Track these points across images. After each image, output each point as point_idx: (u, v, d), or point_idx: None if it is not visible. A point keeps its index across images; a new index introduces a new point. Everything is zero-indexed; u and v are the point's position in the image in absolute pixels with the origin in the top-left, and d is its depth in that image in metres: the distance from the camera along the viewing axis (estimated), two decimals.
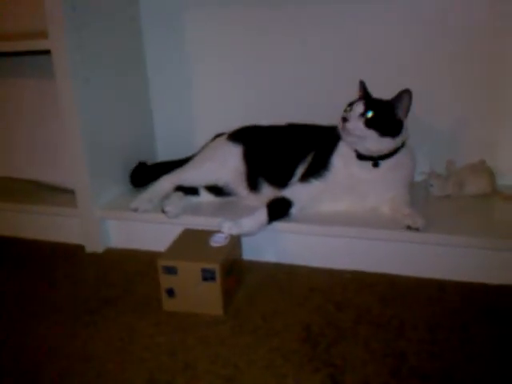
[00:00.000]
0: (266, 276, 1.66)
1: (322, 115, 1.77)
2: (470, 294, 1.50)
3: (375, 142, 1.59)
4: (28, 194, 2.10)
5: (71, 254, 1.90)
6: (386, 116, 1.59)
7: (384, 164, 1.63)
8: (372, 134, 1.58)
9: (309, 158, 1.74)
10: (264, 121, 1.92)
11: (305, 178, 1.69)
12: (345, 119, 1.58)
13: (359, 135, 1.58)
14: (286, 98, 2.03)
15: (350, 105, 1.62)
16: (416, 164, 1.73)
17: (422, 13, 1.83)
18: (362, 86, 1.70)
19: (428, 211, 1.65)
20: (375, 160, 1.63)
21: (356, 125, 1.57)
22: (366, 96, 1.68)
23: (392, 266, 1.63)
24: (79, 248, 1.92)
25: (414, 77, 1.88)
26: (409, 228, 1.55)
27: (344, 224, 1.63)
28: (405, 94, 1.58)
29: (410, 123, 1.66)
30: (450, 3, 1.79)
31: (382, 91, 1.79)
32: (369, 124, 1.57)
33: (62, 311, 1.55)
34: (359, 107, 1.59)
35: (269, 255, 1.74)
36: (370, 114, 1.57)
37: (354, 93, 1.71)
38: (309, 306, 1.50)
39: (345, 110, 1.62)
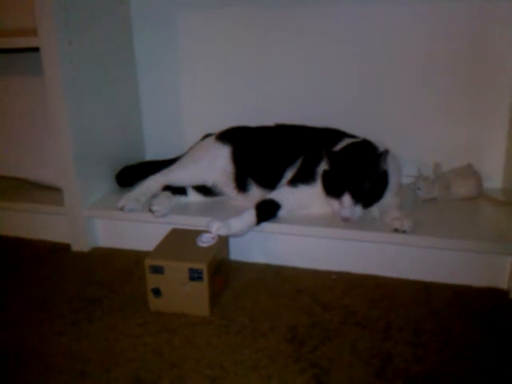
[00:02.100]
0: (253, 277, 1.66)
1: (311, 116, 1.78)
2: (456, 296, 1.52)
3: (377, 206, 1.63)
4: (14, 191, 2.09)
5: (57, 252, 1.89)
6: (375, 185, 1.57)
7: None
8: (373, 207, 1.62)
9: (298, 162, 1.74)
10: (254, 122, 1.92)
11: (293, 182, 1.69)
12: (346, 218, 1.56)
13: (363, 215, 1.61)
14: (276, 98, 2.04)
15: (337, 197, 1.57)
16: (401, 172, 1.75)
17: (412, 22, 1.84)
18: (329, 156, 1.60)
19: (415, 214, 1.66)
20: None
21: (357, 214, 1.57)
22: (343, 174, 1.57)
23: (378, 267, 1.64)
24: (65, 247, 1.91)
25: (403, 79, 1.90)
26: (396, 231, 1.56)
27: (331, 225, 1.63)
28: (381, 159, 1.55)
29: (397, 127, 1.66)
30: (439, 12, 1.80)
31: (378, 91, 1.82)
32: (367, 205, 1.59)
33: (46, 310, 1.54)
34: (348, 201, 1.55)
35: (256, 256, 1.74)
36: (363, 201, 1.57)
37: (346, 95, 1.69)
38: (295, 307, 1.50)
39: (332, 201, 1.60)
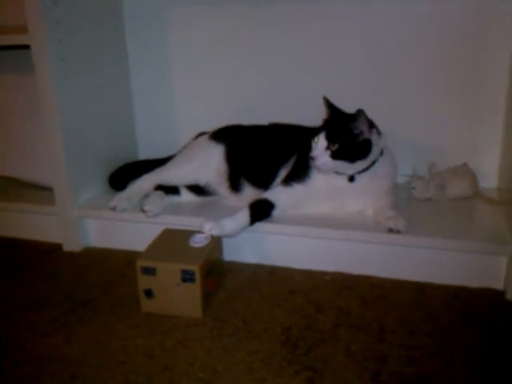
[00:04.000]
0: (246, 277, 1.65)
1: (308, 116, 1.75)
2: (451, 297, 1.50)
3: (347, 168, 1.58)
4: (4, 191, 2.06)
5: (48, 252, 1.87)
6: (351, 142, 1.55)
7: (361, 177, 1.61)
8: (342, 163, 1.56)
9: (292, 161, 1.73)
10: (248, 121, 1.90)
11: (287, 181, 1.68)
12: (312, 158, 1.56)
13: (330, 168, 1.57)
14: (270, 98, 2.02)
15: (318, 135, 1.58)
16: (397, 169, 1.72)
17: (407, 21, 1.83)
18: (327, 104, 1.66)
19: (410, 214, 1.65)
20: (351, 174, 1.61)
21: (323, 160, 1.55)
22: (330, 119, 1.64)
23: (373, 268, 1.62)
24: (57, 247, 1.89)
25: (398, 79, 1.89)
26: (390, 230, 1.55)
27: (325, 226, 1.62)
28: (360, 115, 1.53)
29: (392, 126, 1.65)
30: (433, 10, 1.79)
31: (371, 90, 1.87)
32: (335, 156, 1.54)
33: (37, 311, 1.52)
34: (322, 141, 1.56)
35: (249, 256, 1.72)
36: (334, 147, 1.54)
37: (340, 94, 1.68)
38: (289, 308, 1.48)
39: (313, 141, 1.59)
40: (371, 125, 1.57)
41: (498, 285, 1.53)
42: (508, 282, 1.50)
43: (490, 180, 1.87)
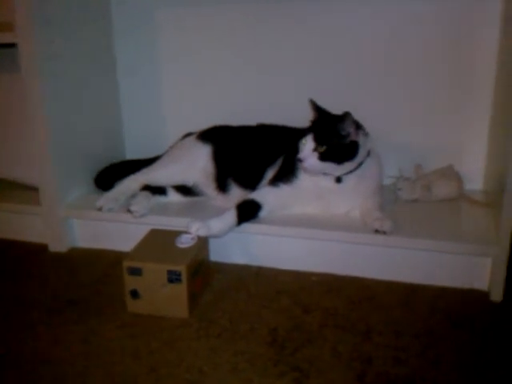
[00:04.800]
0: (233, 278, 1.65)
1: (295, 116, 1.76)
2: (437, 298, 1.51)
3: (335, 170, 1.59)
4: None
5: (34, 253, 1.86)
6: (339, 144, 1.55)
7: (348, 178, 1.62)
8: (329, 165, 1.56)
9: (279, 161, 1.73)
10: (236, 122, 1.90)
11: (274, 181, 1.68)
12: (300, 160, 1.56)
13: (317, 170, 1.58)
14: (258, 99, 2.02)
15: (305, 137, 1.59)
16: (383, 170, 1.72)
17: (395, 23, 1.85)
18: (314, 107, 1.67)
19: (396, 215, 1.65)
20: (338, 175, 1.62)
21: (310, 162, 1.55)
22: (317, 121, 1.64)
23: (360, 269, 1.63)
24: (42, 247, 1.87)
25: (384, 80, 1.90)
26: (377, 231, 1.55)
27: (312, 226, 1.62)
28: (346, 117, 1.53)
29: (379, 127, 1.66)
30: (421, 13, 1.80)
31: (359, 92, 1.89)
32: (323, 158, 1.55)
33: (22, 313, 1.51)
34: (310, 143, 1.56)
35: (236, 257, 1.72)
36: (322, 149, 1.54)
37: (333, 95, 1.70)
38: (276, 309, 1.49)
39: (301, 142, 1.59)
40: (358, 126, 1.58)
41: (483, 286, 1.54)
42: (492, 283, 1.51)
43: (475, 182, 1.88)
